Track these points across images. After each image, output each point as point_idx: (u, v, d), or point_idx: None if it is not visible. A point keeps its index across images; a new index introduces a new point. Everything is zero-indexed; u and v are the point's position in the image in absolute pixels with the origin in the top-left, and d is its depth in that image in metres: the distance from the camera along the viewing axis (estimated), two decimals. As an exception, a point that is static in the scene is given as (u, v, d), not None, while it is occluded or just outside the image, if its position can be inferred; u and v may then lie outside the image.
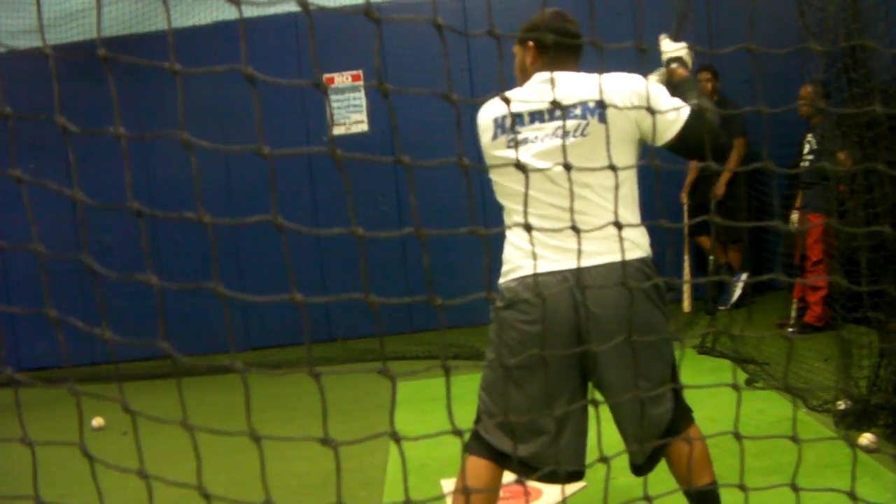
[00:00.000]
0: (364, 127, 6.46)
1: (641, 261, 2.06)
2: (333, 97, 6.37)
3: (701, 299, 5.93)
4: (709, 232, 5.80)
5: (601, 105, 1.98)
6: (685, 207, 5.98)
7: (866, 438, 3.01)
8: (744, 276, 5.90)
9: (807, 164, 5.12)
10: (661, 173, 1.21)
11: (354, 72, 6.44)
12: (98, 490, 1.05)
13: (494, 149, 2.15)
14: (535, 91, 2.12)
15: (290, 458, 3.52)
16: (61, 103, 1.05)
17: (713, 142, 2.05)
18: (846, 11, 3.23)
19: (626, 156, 2.04)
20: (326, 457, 0.95)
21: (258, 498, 1.03)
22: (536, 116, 2.08)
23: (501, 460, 2.07)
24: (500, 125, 2.13)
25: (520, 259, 2.05)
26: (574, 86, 2.07)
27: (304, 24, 1.23)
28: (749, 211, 5.88)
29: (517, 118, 2.11)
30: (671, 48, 2.36)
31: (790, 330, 4.98)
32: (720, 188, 5.80)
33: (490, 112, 2.17)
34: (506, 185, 2.11)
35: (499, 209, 2.20)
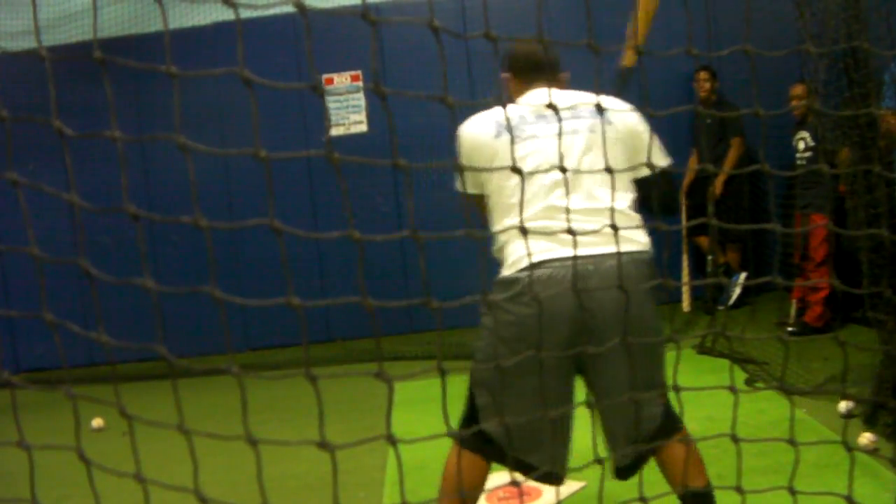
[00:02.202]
0: (363, 127, 6.45)
1: (641, 255, 2.08)
2: (332, 98, 6.37)
3: (700, 299, 5.93)
4: (707, 232, 5.80)
5: (602, 110, 2.01)
6: (684, 208, 5.98)
7: (866, 438, 3.01)
8: (742, 276, 5.90)
9: (803, 162, 5.13)
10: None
11: (353, 72, 6.43)
12: (95, 493, 1.05)
13: (499, 145, 2.15)
14: (533, 100, 2.18)
15: (288, 459, 3.51)
16: (60, 105, 1.05)
17: (666, 200, 2.14)
18: (847, 11, 3.23)
19: (624, 158, 2.07)
20: (325, 458, 0.95)
21: (256, 500, 1.03)
22: (541, 117, 2.12)
23: (487, 450, 2.09)
24: (501, 125, 2.16)
25: (524, 249, 2.04)
26: (572, 97, 2.16)
27: (303, 25, 1.23)
28: (749, 210, 5.88)
29: (522, 119, 2.14)
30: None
31: (790, 329, 4.98)
32: (718, 188, 5.80)
33: (490, 116, 2.20)
34: (505, 185, 2.12)
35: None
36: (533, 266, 2.01)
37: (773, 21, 4.43)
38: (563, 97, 2.14)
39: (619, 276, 1.80)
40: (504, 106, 2.16)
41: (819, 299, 4.99)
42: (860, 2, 3.20)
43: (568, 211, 1.93)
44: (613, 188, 1.90)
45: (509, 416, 2.02)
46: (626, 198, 2.09)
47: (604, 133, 1.81)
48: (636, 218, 2.11)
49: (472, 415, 2.17)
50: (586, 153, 2.08)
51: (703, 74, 5.88)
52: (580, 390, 2.19)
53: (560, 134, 1.79)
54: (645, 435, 2.06)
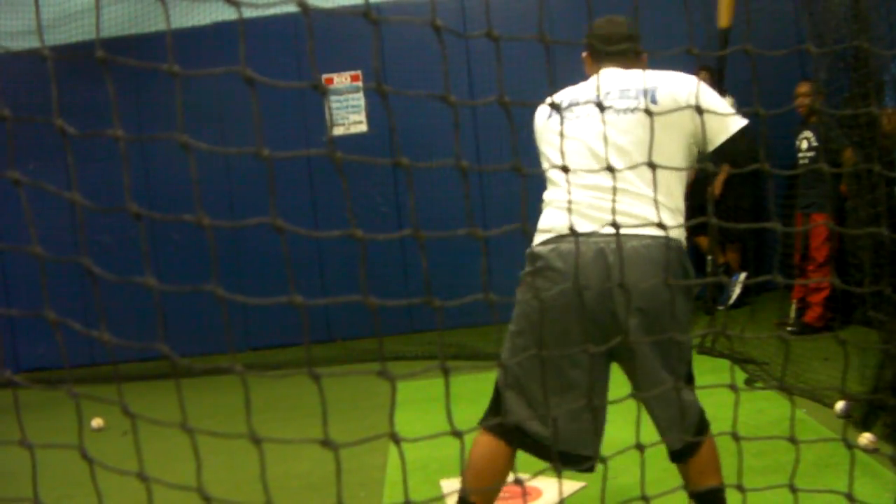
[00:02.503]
0: (363, 127, 6.45)
1: (678, 245, 2.07)
2: (333, 98, 6.37)
3: (700, 299, 5.93)
4: (706, 231, 5.80)
5: (654, 91, 2.06)
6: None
7: (865, 438, 3.01)
8: (742, 276, 5.90)
9: (806, 161, 5.12)
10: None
11: (353, 72, 6.43)
12: (98, 492, 1.05)
13: (547, 127, 2.20)
14: (590, 86, 2.21)
15: (291, 458, 3.52)
16: (61, 104, 1.06)
17: (750, 151, 2.14)
18: (848, 11, 3.24)
19: (674, 144, 2.06)
20: (327, 457, 0.95)
21: (259, 499, 1.03)
22: (592, 101, 2.13)
23: (513, 439, 2.07)
24: (555, 108, 2.18)
25: (552, 222, 2.05)
26: (631, 78, 2.15)
27: (304, 25, 1.23)
28: (749, 210, 5.88)
29: (574, 103, 2.18)
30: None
31: (789, 330, 4.98)
32: (717, 188, 5.80)
33: (545, 105, 2.22)
34: (550, 156, 2.16)
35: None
36: (556, 242, 2.01)
37: (773, 21, 4.43)
38: (622, 78, 2.15)
39: (658, 253, 1.78)
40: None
41: (820, 300, 4.99)
42: (860, 1, 3.20)
43: (599, 190, 1.96)
44: (654, 178, 1.83)
45: (537, 404, 2.00)
46: (666, 185, 2.04)
47: (651, 120, 1.80)
48: (674, 207, 2.08)
49: (497, 400, 2.15)
50: (627, 135, 2.05)
51: (703, 75, 5.87)
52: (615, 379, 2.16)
53: (604, 116, 1.80)
54: (689, 423, 2.06)
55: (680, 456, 2.10)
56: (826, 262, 4.92)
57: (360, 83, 6.44)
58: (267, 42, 6.13)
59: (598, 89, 2.12)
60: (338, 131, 6.45)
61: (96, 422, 4.42)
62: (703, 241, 5.96)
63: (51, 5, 6.13)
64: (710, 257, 5.91)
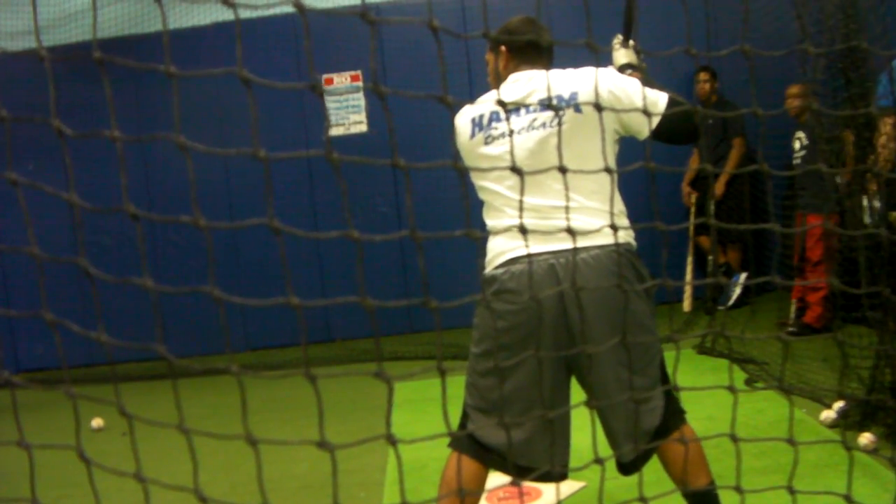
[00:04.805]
0: (363, 127, 6.45)
1: (625, 247, 2.06)
2: (332, 98, 6.37)
3: (700, 299, 5.93)
4: (708, 232, 5.80)
5: (575, 96, 2.04)
6: (692, 209, 5.99)
7: (865, 438, 3.01)
8: (742, 276, 5.90)
9: (798, 161, 5.14)
10: (656, 174, 1.21)
11: (353, 72, 6.43)
12: (95, 493, 1.05)
13: (473, 147, 2.18)
14: (510, 90, 2.16)
15: (288, 459, 3.52)
16: (60, 104, 1.05)
17: (689, 126, 2.09)
18: (844, 11, 3.24)
19: (603, 146, 2.05)
20: (325, 458, 0.95)
21: (256, 500, 1.03)
22: (512, 111, 2.12)
23: (486, 457, 2.09)
24: (477, 124, 2.18)
25: (502, 245, 2.07)
26: (549, 81, 2.11)
27: (303, 25, 1.23)
28: (749, 211, 5.88)
29: (494, 115, 2.14)
30: (619, 57, 2.39)
31: (789, 330, 4.98)
32: (719, 188, 5.81)
33: (467, 114, 2.21)
34: (484, 184, 2.15)
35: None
36: (508, 265, 2.04)
37: (773, 21, 4.43)
38: (541, 80, 2.12)
39: (607, 259, 1.79)
40: (496, 87, 2.19)
41: (818, 299, 4.99)
42: (857, 1, 3.20)
43: (540, 209, 1.96)
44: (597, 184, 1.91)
45: (500, 419, 2.03)
46: (603, 191, 2.04)
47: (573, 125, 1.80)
48: (616, 211, 2.07)
49: (466, 419, 2.17)
50: (558, 146, 2.06)
51: (703, 75, 5.89)
52: (576, 387, 2.19)
53: (531, 128, 1.80)
54: (646, 430, 2.06)
55: (631, 468, 2.10)
56: (820, 261, 4.92)
57: (359, 83, 6.44)
58: (266, 42, 6.13)
59: (524, 97, 2.10)
60: (338, 131, 6.45)
61: (96, 422, 4.42)
62: (705, 241, 5.96)
63: (49, 6, 6.13)
64: (710, 257, 5.92)
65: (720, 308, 5.75)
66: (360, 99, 6.45)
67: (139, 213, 0.95)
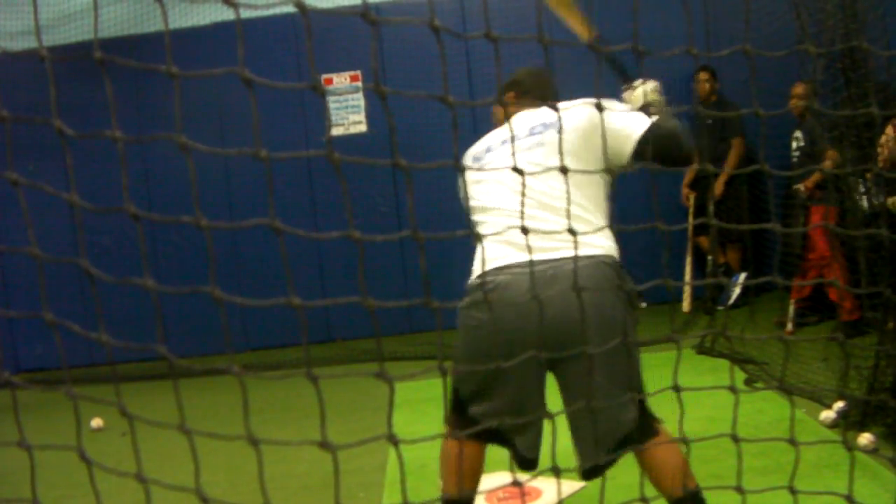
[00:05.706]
0: (363, 127, 6.45)
1: (612, 260, 2.11)
2: (332, 98, 6.37)
3: (700, 299, 5.93)
4: (707, 232, 5.80)
5: (558, 122, 2.13)
6: (690, 209, 5.99)
7: (865, 438, 3.01)
8: (742, 276, 5.90)
9: (794, 160, 5.13)
10: (656, 174, 1.21)
11: (353, 72, 6.43)
12: (96, 493, 1.05)
13: (469, 177, 2.35)
14: (512, 127, 2.32)
15: (289, 459, 3.52)
16: (61, 105, 1.05)
17: (673, 152, 2.15)
18: (844, 11, 3.24)
19: (583, 164, 2.11)
20: (326, 458, 0.95)
21: (257, 500, 1.03)
22: (504, 143, 2.31)
23: (463, 422, 2.18)
24: (473, 157, 2.41)
25: (487, 256, 2.15)
26: (538, 115, 2.29)
27: (303, 25, 1.23)
28: (749, 210, 5.88)
29: (488, 149, 2.36)
30: (634, 101, 2.44)
31: (789, 330, 4.97)
32: (718, 188, 5.81)
33: (469, 152, 2.44)
34: (472, 205, 2.27)
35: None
36: (483, 276, 2.13)
37: (773, 21, 4.43)
38: (533, 116, 2.29)
39: (575, 279, 1.82)
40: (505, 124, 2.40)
41: (840, 294, 4.87)
42: (857, 2, 3.20)
43: (525, 224, 2.01)
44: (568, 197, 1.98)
45: (490, 403, 2.13)
46: (587, 204, 2.13)
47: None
48: (598, 223, 2.13)
49: (456, 402, 2.26)
50: (542, 167, 2.10)
51: (703, 75, 5.88)
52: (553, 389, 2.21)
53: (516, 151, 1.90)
54: (617, 438, 2.06)
55: (591, 474, 2.11)
56: (830, 256, 4.85)
57: (359, 83, 6.44)
58: (267, 42, 6.13)
59: (510, 129, 2.30)
60: (338, 131, 6.45)
61: (96, 422, 4.42)
62: (704, 242, 5.96)
63: (50, 5, 6.13)
64: (710, 257, 5.92)
65: (720, 308, 5.75)
66: (359, 99, 6.45)
67: (139, 213, 0.95)
